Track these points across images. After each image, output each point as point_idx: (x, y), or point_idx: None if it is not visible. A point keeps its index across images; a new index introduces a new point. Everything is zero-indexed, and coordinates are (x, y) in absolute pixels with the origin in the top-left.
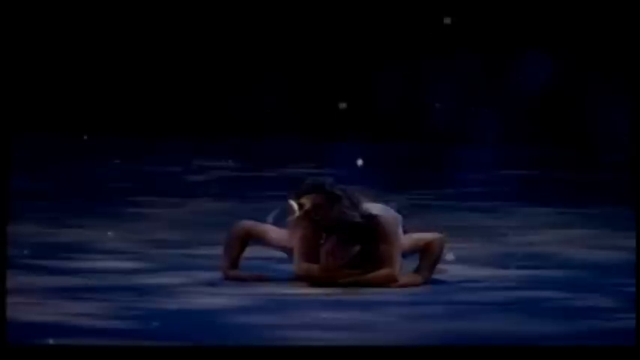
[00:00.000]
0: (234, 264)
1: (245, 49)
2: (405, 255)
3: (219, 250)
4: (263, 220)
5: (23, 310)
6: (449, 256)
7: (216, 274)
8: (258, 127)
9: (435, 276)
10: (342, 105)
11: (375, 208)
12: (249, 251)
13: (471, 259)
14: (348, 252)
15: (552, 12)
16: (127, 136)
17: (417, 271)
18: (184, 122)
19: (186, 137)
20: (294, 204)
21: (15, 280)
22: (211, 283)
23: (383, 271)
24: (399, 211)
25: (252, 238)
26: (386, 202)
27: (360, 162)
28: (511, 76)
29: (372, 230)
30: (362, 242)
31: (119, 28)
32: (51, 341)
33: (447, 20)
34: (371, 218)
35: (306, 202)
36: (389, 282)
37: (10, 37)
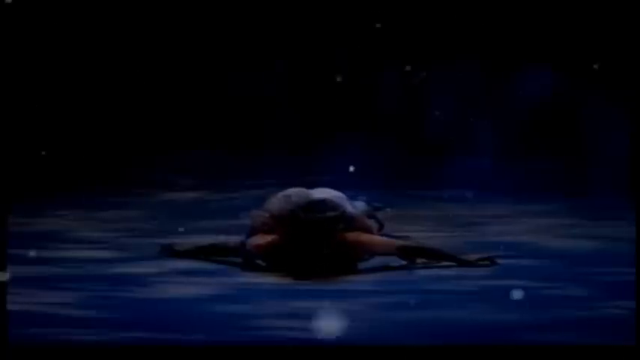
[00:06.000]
0: None
1: (238, 39)
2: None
3: (193, 239)
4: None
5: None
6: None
7: (191, 264)
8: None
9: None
10: None
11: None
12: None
13: (446, 248)
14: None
15: (551, 21)
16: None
17: None
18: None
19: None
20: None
21: None
22: (186, 272)
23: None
24: (368, 203)
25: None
26: (355, 197)
27: (351, 168)
28: (507, 83)
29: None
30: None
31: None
32: (26, 330)
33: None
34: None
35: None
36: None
37: None
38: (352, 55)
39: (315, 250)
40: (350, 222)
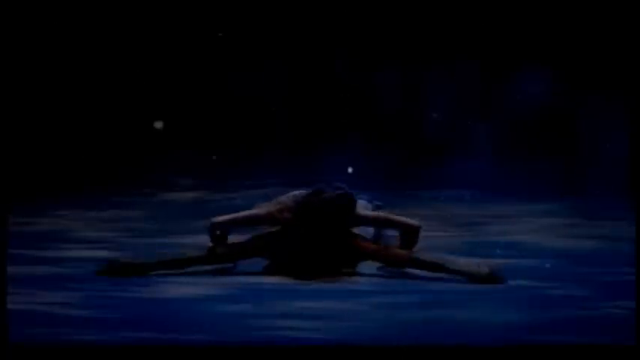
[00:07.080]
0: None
1: (238, 38)
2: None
3: (192, 239)
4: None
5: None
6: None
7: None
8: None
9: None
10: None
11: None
12: None
13: (447, 247)
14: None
15: (550, 23)
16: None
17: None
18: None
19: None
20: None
21: None
22: (186, 273)
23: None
24: (369, 202)
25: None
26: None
27: (350, 170)
28: (506, 83)
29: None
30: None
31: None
32: (26, 330)
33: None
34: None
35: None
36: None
37: None
38: (352, 55)
39: (329, 231)
40: (355, 203)
